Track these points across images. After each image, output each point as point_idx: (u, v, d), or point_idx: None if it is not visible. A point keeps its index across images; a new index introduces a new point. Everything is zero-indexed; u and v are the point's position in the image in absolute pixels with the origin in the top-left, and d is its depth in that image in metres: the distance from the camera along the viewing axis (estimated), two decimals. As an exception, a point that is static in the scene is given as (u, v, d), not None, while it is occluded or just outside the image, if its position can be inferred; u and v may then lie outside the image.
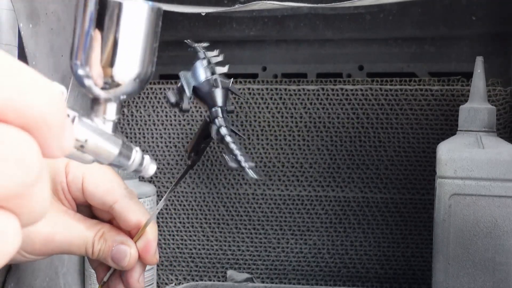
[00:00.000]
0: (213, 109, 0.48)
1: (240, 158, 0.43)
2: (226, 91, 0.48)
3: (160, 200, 0.74)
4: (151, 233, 0.44)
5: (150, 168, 0.36)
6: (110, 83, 0.32)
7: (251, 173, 0.42)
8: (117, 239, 0.43)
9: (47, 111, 0.21)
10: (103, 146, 0.32)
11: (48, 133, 0.22)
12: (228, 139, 0.46)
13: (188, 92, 0.48)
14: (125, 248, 0.43)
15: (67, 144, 0.24)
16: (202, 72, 0.47)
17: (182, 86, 0.48)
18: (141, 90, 0.35)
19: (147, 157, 0.36)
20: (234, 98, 0.73)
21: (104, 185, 0.44)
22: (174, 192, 0.75)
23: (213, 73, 0.47)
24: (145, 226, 0.43)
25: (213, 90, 0.47)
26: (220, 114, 0.48)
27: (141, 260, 0.44)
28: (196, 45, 0.48)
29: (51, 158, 0.23)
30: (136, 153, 0.35)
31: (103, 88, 0.32)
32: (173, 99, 0.48)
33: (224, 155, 0.47)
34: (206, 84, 0.47)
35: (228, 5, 0.73)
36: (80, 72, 0.32)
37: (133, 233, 0.44)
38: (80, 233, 0.42)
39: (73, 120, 0.30)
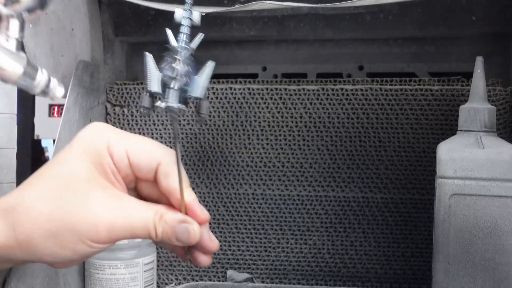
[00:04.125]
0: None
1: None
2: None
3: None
4: (189, 196, 0.44)
5: (58, 90, 0.37)
6: None
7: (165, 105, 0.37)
8: (176, 218, 0.43)
9: None
10: (7, 63, 0.32)
11: None
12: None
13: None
14: (186, 226, 0.43)
15: None
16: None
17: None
18: (42, 9, 0.35)
19: (54, 80, 0.36)
20: (234, 98, 0.73)
21: (146, 151, 0.44)
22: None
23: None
24: (181, 191, 0.43)
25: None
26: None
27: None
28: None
29: None
30: (42, 74, 0.35)
31: (4, 4, 0.33)
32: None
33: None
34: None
35: (228, 5, 0.73)
36: None
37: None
38: (140, 214, 0.43)
39: None
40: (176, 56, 0.40)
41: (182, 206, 0.44)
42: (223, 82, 0.75)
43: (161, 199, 0.46)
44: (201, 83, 0.40)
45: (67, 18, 0.71)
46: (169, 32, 0.43)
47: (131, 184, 0.46)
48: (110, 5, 0.78)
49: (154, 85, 0.39)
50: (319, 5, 0.67)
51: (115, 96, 0.76)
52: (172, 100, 0.37)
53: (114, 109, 0.76)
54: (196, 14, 0.45)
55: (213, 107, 0.74)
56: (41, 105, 0.92)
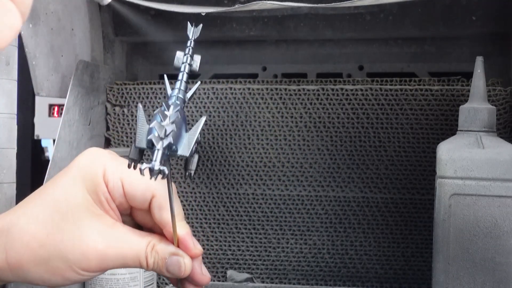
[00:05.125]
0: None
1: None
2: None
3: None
4: (182, 229, 0.44)
5: None
6: None
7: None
8: (168, 250, 0.44)
9: None
10: None
11: None
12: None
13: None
14: (178, 259, 0.43)
15: None
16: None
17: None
18: None
19: None
20: (234, 98, 0.73)
21: (141, 182, 0.44)
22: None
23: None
24: (174, 225, 0.43)
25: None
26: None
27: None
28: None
29: None
30: None
31: None
32: None
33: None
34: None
35: (228, 5, 0.73)
36: None
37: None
38: (131, 245, 0.43)
39: None
40: (166, 113, 0.39)
41: (174, 239, 0.44)
42: (223, 82, 0.75)
43: (155, 227, 0.45)
44: (190, 141, 0.40)
45: (67, 18, 0.71)
46: (166, 79, 0.43)
47: (126, 211, 0.46)
48: (110, 5, 0.78)
49: (142, 142, 0.39)
50: (319, 5, 0.67)
51: (115, 96, 0.76)
52: (156, 161, 0.37)
53: (114, 109, 0.76)
54: (197, 59, 0.44)
55: (213, 107, 0.74)
56: (41, 105, 0.92)
